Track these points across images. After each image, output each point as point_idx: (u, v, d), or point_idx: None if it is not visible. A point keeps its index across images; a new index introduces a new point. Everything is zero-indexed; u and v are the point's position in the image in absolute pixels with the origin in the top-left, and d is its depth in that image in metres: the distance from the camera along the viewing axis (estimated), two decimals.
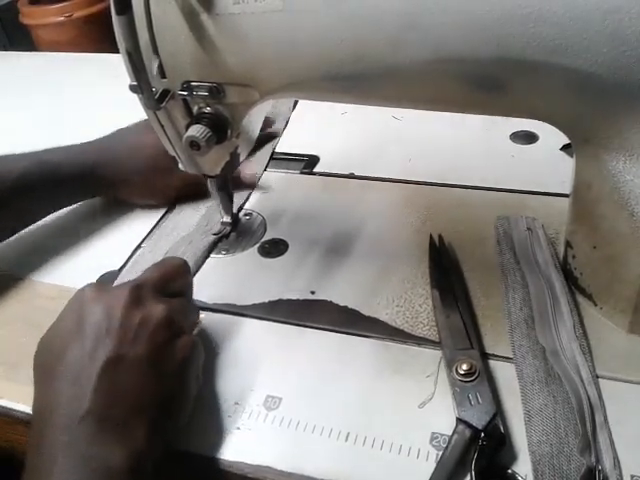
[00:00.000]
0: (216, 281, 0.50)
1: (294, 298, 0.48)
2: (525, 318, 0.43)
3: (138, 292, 0.37)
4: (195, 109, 0.43)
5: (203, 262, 0.52)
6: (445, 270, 0.47)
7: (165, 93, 0.41)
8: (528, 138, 0.64)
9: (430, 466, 0.35)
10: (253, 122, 0.48)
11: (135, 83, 0.39)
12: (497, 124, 0.67)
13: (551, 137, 0.62)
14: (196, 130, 0.40)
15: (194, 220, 0.57)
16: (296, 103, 0.75)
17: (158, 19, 0.38)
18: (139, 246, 0.55)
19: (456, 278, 0.47)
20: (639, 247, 0.38)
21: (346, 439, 0.38)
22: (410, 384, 0.40)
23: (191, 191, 0.59)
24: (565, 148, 0.61)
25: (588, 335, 0.42)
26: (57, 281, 0.52)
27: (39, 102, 0.84)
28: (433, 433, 0.37)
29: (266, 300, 0.48)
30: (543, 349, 0.40)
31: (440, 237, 0.51)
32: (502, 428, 0.36)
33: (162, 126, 0.45)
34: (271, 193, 0.61)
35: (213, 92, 0.41)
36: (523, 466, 0.35)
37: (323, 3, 0.35)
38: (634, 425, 0.37)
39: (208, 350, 0.43)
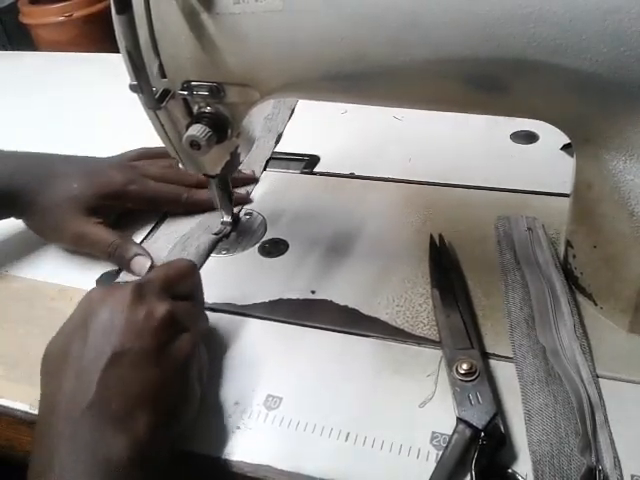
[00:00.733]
0: (216, 281, 0.50)
1: (294, 298, 0.48)
2: (525, 318, 0.43)
3: (141, 290, 0.38)
4: (195, 109, 0.43)
5: (204, 262, 0.53)
6: (445, 270, 0.47)
7: (165, 93, 0.41)
8: (528, 138, 0.64)
9: (430, 466, 0.35)
10: (253, 122, 0.48)
11: (135, 83, 0.39)
12: (497, 124, 0.67)
13: (551, 137, 0.62)
14: (196, 130, 0.40)
15: (194, 220, 0.57)
16: (294, 107, 0.74)
17: (158, 19, 0.38)
18: (141, 243, 0.55)
19: (456, 277, 0.47)
20: (639, 247, 0.38)
21: (346, 439, 0.38)
22: (410, 384, 0.40)
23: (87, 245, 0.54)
24: (565, 148, 0.61)
25: (588, 335, 0.42)
26: (57, 281, 0.52)
27: (39, 102, 0.84)
28: (433, 433, 0.37)
29: (266, 300, 0.48)
30: (543, 349, 0.40)
31: (440, 237, 0.51)
32: (502, 428, 0.36)
33: (162, 126, 0.45)
34: (271, 193, 0.61)
35: (213, 92, 0.41)
36: (523, 466, 0.35)
37: (323, 3, 0.35)
38: (634, 425, 0.37)
39: (208, 350, 0.43)
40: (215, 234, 0.55)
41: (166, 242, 0.55)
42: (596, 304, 0.43)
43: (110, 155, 0.61)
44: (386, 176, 0.61)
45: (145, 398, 0.35)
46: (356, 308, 0.46)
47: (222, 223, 0.55)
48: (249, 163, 0.64)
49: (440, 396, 0.39)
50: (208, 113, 0.42)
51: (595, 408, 0.37)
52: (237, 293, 0.49)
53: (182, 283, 0.42)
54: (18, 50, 1.13)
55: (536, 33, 0.32)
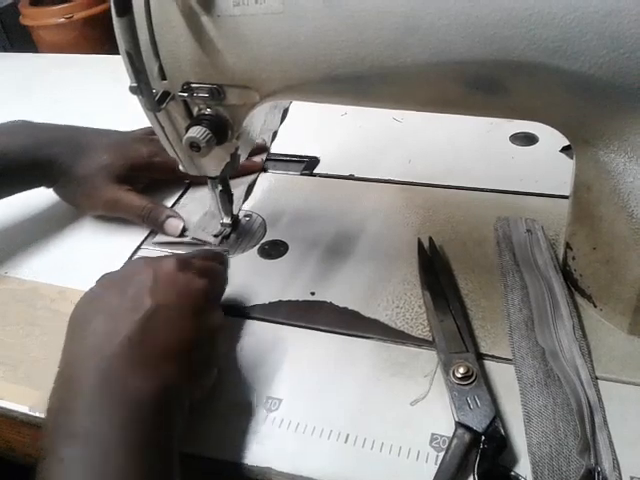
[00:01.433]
0: None
1: (294, 299, 0.48)
2: (524, 319, 0.43)
3: (185, 262, 0.40)
4: (195, 110, 0.43)
5: None
6: (436, 273, 0.47)
7: (165, 95, 0.41)
8: (528, 140, 0.64)
9: (430, 467, 0.35)
10: (253, 123, 0.48)
11: (135, 84, 0.39)
12: (497, 126, 0.67)
13: (551, 139, 0.62)
14: (196, 131, 0.40)
15: (194, 220, 0.57)
16: (286, 111, 0.75)
17: (158, 21, 0.38)
18: (139, 247, 0.55)
19: (447, 281, 0.47)
20: (639, 248, 0.38)
21: (346, 440, 0.38)
22: (410, 385, 0.40)
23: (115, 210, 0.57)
24: (565, 150, 0.61)
25: (588, 336, 0.42)
26: (57, 282, 0.52)
27: (39, 103, 0.84)
28: (433, 434, 0.37)
29: (266, 301, 0.48)
30: (542, 350, 0.40)
31: (430, 240, 0.50)
32: (502, 431, 0.36)
33: (162, 127, 0.45)
34: (271, 194, 0.61)
35: (213, 94, 0.41)
36: (525, 468, 0.35)
37: (323, 5, 0.35)
38: (633, 426, 0.37)
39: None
40: (215, 236, 0.55)
41: (194, 207, 0.57)
42: (595, 306, 0.43)
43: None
44: (386, 178, 0.61)
45: (178, 349, 0.36)
46: (355, 309, 0.46)
47: (222, 224, 0.55)
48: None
49: (440, 397, 0.39)
50: (208, 115, 0.42)
51: (594, 410, 0.37)
52: (237, 294, 0.49)
53: (216, 285, 0.43)
54: (18, 51, 1.13)
55: (536, 35, 0.32)
